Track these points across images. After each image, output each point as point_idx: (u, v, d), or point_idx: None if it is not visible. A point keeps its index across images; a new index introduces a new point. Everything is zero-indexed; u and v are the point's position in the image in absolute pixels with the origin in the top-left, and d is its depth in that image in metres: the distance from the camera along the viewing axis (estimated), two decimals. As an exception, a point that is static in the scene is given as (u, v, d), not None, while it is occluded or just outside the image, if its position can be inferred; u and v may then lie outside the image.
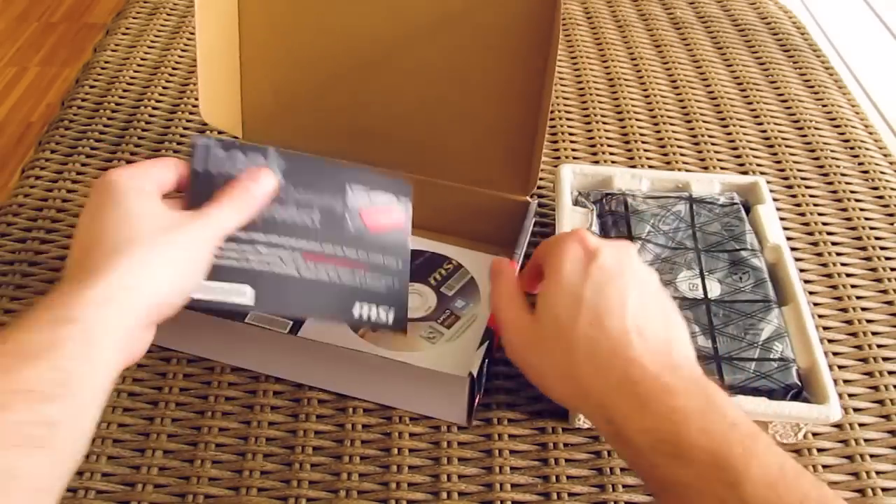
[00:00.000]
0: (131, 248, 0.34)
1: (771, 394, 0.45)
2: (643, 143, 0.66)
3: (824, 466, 0.46)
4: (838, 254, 0.58)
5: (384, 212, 0.46)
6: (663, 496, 0.33)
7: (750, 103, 0.71)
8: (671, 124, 0.68)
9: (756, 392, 0.44)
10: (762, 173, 0.63)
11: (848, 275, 0.56)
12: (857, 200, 0.62)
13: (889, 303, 0.55)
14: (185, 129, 0.65)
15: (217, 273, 0.39)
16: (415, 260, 0.49)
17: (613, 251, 0.37)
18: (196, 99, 0.67)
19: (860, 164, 0.65)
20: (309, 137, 0.56)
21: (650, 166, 0.64)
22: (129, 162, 0.61)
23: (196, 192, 0.40)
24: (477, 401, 0.46)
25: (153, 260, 0.35)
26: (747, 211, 0.55)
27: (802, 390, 0.45)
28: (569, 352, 0.35)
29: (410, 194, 0.48)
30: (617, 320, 0.35)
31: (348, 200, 0.45)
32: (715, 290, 0.49)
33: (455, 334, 0.51)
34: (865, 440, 0.47)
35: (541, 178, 0.62)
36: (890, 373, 0.51)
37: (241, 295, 0.40)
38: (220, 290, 0.40)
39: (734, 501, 0.30)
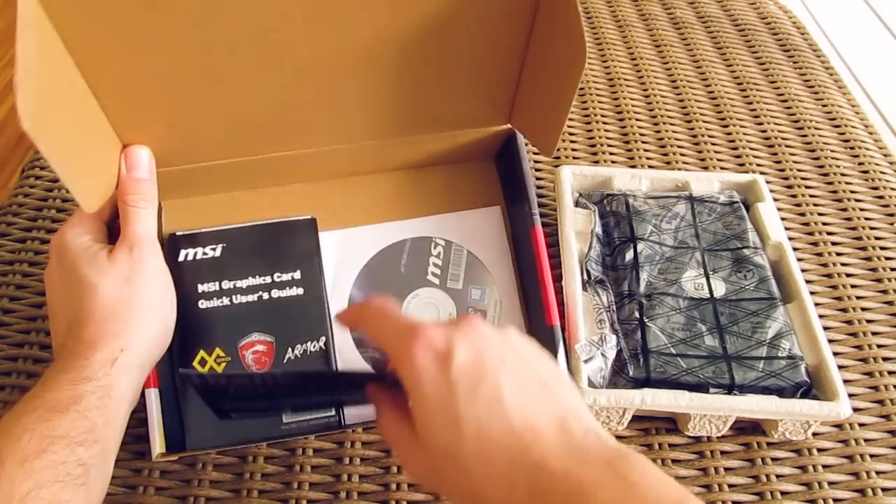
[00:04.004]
0: (109, 314, 0.38)
1: (781, 392, 0.45)
2: (643, 143, 0.66)
3: (824, 466, 0.46)
4: (838, 254, 0.58)
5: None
6: None
7: (750, 103, 0.71)
8: (671, 124, 0.68)
9: (766, 391, 0.45)
10: (762, 173, 0.63)
11: (848, 275, 0.56)
12: (857, 200, 0.62)
13: (889, 303, 0.55)
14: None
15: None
16: (398, 257, 0.48)
17: (466, 344, 0.33)
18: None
19: (860, 164, 0.65)
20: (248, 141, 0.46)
21: (650, 166, 0.64)
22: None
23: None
24: None
25: (131, 317, 0.38)
26: (747, 209, 0.55)
27: (811, 387, 0.45)
28: (468, 476, 0.31)
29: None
30: (503, 425, 0.31)
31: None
32: (720, 289, 0.50)
33: None
34: (865, 440, 0.47)
35: (541, 179, 0.62)
36: (890, 373, 0.51)
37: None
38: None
39: None
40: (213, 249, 0.46)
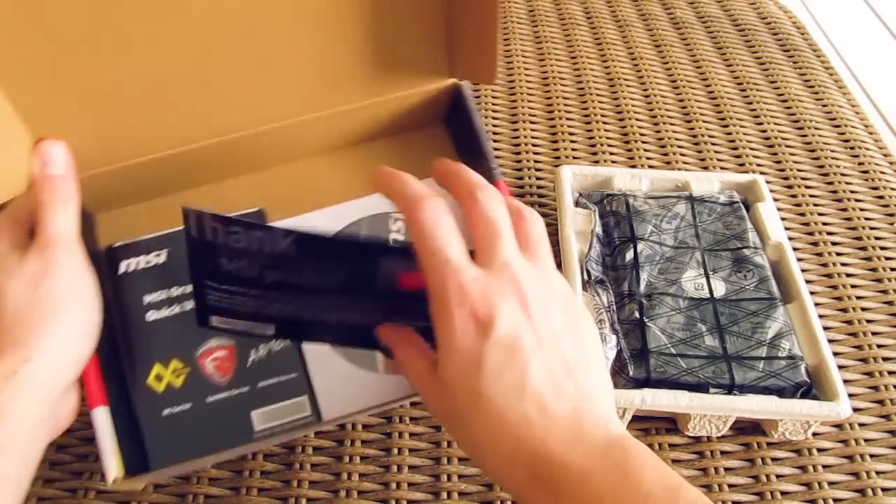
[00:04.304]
0: (14, 323, 0.34)
1: (781, 392, 0.45)
2: (643, 143, 0.66)
3: (824, 466, 0.46)
4: (838, 254, 0.58)
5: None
6: None
7: (750, 103, 0.71)
8: (671, 124, 0.68)
9: (766, 391, 0.45)
10: (762, 173, 0.63)
11: (848, 275, 0.56)
12: (857, 200, 0.62)
13: (889, 303, 0.55)
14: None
15: (232, 314, 0.37)
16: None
17: (507, 317, 0.31)
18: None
19: (860, 164, 0.65)
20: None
21: (650, 166, 0.64)
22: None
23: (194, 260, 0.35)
24: None
25: (38, 324, 0.34)
26: (747, 209, 0.55)
27: (811, 388, 0.45)
28: (473, 444, 0.32)
29: None
30: (518, 410, 0.31)
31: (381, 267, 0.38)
32: (720, 289, 0.50)
33: None
34: (865, 440, 0.47)
35: (541, 179, 0.62)
36: (890, 373, 0.51)
37: (262, 329, 0.38)
38: (241, 325, 0.38)
39: None
40: (158, 256, 0.43)
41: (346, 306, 0.38)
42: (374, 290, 0.37)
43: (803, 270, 0.55)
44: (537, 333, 0.32)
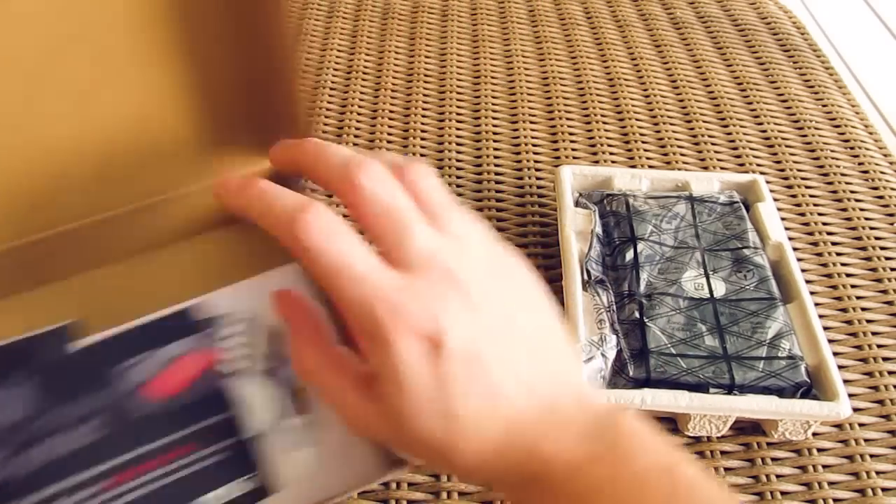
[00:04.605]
0: None
1: (781, 392, 0.45)
2: (643, 143, 0.66)
3: (824, 466, 0.46)
4: (838, 254, 0.58)
5: (178, 367, 0.34)
6: None
7: (750, 103, 0.71)
8: (671, 124, 0.68)
9: (766, 391, 0.45)
10: (762, 173, 0.63)
11: (848, 275, 0.56)
12: (857, 200, 0.62)
13: (889, 303, 0.55)
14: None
15: None
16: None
17: (457, 326, 0.27)
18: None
19: (860, 164, 0.66)
20: None
21: (650, 166, 0.64)
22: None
23: None
24: None
25: None
26: (747, 209, 0.55)
27: (811, 388, 0.45)
28: (451, 464, 0.29)
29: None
30: (498, 420, 0.28)
31: (120, 384, 0.33)
32: (720, 289, 0.50)
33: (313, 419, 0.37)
34: (865, 440, 0.47)
35: (541, 179, 0.62)
36: (890, 373, 0.51)
37: None
38: None
39: None
40: None
41: (125, 472, 0.31)
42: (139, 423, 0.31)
43: (803, 270, 0.55)
44: (490, 329, 0.28)
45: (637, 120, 0.68)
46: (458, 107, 0.69)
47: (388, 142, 0.65)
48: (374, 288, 0.27)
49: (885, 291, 0.56)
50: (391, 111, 0.68)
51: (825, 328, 0.52)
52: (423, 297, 0.27)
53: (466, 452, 0.28)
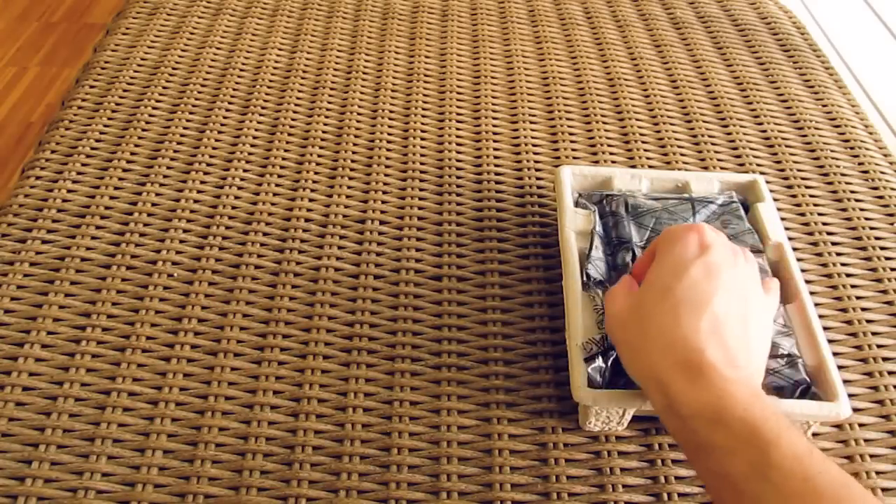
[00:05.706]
0: None
1: (780, 391, 0.45)
2: (643, 143, 0.66)
3: (824, 466, 0.46)
4: (838, 254, 0.58)
5: None
6: (699, 454, 0.37)
7: (750, 103, 0.71)
8: (671, 124, 0.68)
9: (765, 389, 0.45)
10: (762, 173, 0.63)
11: (848, 275, 0.56)
12: (857, 200, 0.62)
13: (889, 303, 0.55)
14: (184, 128, 0.65)
15: None
16: None
17: (726, 252, 0.41)
18: (196, 99, 0.67)
19: (860, 164, 0.65)
20: None
21: (650, 166, 0.64)
22: (128, 162, 0.61)
23: None
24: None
25: None
26: (747, 210, 0.55)
27: (811, 387, 0.45)
28: (644, 334, 0.40)
29: None
30: (693, 315, 0.39)
31: None
32: (715, 289, 0.49)
33: None
34: (865, 440, 0.47)
35: (540, 179, 0.62)
36: (890, 373, 0.51)
37: None
38: None
39: (761, 462, 0.34)
40: None
41: None
42: None
43: (803, 270, 0.55)
44: (735, 279, 0.41)
45: (637, 120, 0.68)
46: (458, 107, 0.69)
47: (389, 142, 0.65)
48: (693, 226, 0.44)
49: (884, 291, 0.56)
50: (391, 111, 0.68)
51: (825, 328, 0.52)
52: (716, 235, 0.43)
53: (657, 328, 0.40)
